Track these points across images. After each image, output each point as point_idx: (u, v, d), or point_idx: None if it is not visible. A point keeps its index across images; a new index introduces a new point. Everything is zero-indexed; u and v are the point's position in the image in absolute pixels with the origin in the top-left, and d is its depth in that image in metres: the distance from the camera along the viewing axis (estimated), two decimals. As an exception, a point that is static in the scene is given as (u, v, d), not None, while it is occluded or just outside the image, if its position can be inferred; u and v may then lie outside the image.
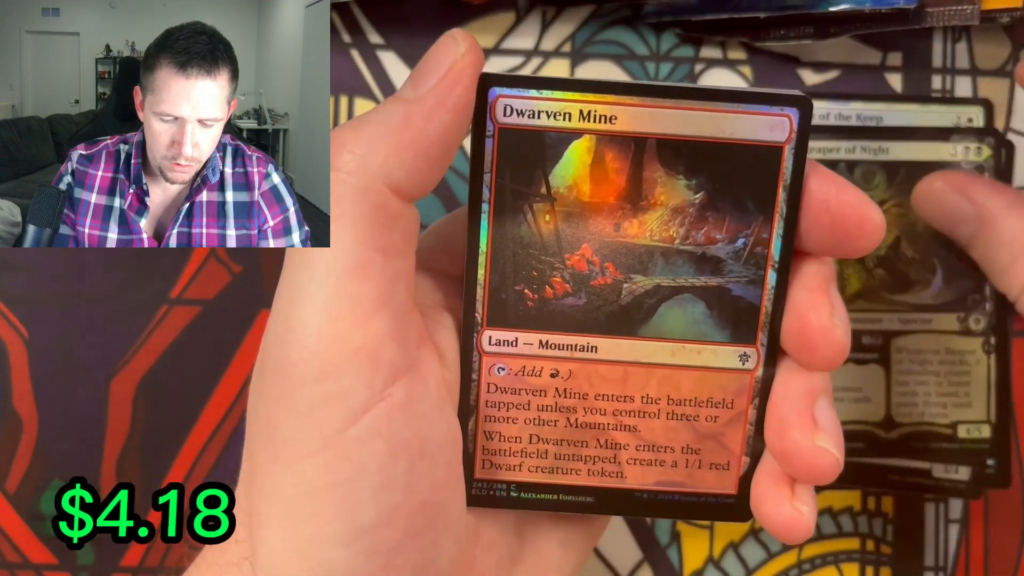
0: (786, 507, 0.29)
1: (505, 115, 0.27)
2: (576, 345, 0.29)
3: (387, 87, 0.43)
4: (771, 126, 0.27)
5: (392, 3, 0.43)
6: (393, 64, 0.43)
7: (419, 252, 0.28)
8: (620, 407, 0.30)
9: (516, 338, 0.29)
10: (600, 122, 0.27)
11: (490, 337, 0.29)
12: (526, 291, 0.29)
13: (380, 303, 0.26)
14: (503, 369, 0.29)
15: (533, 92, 0.27)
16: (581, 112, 0.27)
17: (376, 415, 0.26)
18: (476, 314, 0.29)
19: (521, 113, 0.27)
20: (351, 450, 0.26)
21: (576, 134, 0.28)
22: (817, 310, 0.28)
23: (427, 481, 0.27)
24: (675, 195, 0.28)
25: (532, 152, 0.28)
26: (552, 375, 0.30)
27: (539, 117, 0.27)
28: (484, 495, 0.30)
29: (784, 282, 0.29)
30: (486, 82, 0.27)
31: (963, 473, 0.41)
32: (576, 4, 0.43)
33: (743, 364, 0.29)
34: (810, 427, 0.29)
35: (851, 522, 0.44)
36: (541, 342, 0.29)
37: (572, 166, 0.28)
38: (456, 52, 0.26)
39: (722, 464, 0.30)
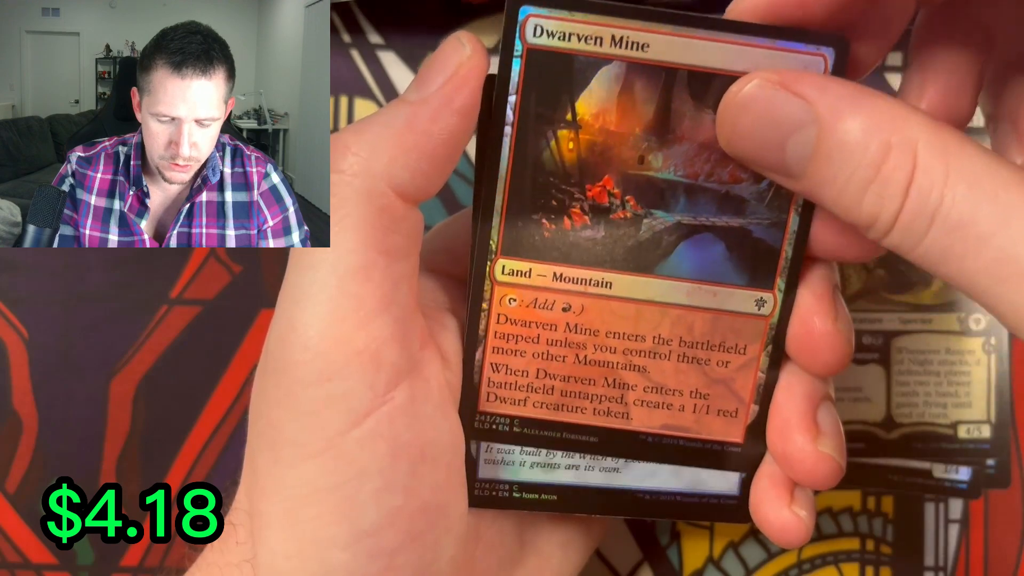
0: (784, 511, 0.29)
1: (535, 35, 0.27)
2: (591, 280, 0.28)
3: (387, 87, 0.43)
4: (805, 64, 0.27)
5: (392, 3, 0.43)
6: (393, 64, 0.43)
7: (422, 254, 0.28)
8: (631, 346, 0.29)
9: (530, 269, 0.28)
10: (631, 49, 0.27)
11: (503, 266, 0.28)
12: (543, 220, 0.28)
13: (383, 305, 0.26)
14: (514, 300, 0.29)
15: (564, 13, 0.26)
16: (613, 37, 0.27)
17: (378, 417, 0.26)
18: (491, 241, 0.28)
19: (551, 34, 0.27)
20: (353, 452, 0.26)
21: (606, 60, 0.27)
22: (822, 315, 0.28)
23: (429, 483, 0.27)
24: (703, 130, 0.27)
25: (560, 76, 0.27)
26: (564, 309, 0.29)
27: (569, 39, 0.27)
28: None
29: (806, 226, 0.28)
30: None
31: (963, 473, 0.41)
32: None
33: (759, 309, 0.29)
34: (812, 432, 0.29)
35: (851, 522, 0.44)
36: (555, 274, 0.28)
37: (600, 93, 0.27)
38: (462, 54, 0.26)
39: (730, 411, 0.30)
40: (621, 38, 0.27)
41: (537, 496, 0.30)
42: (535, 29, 0.27)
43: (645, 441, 0.30)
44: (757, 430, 0.30)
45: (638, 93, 0.27)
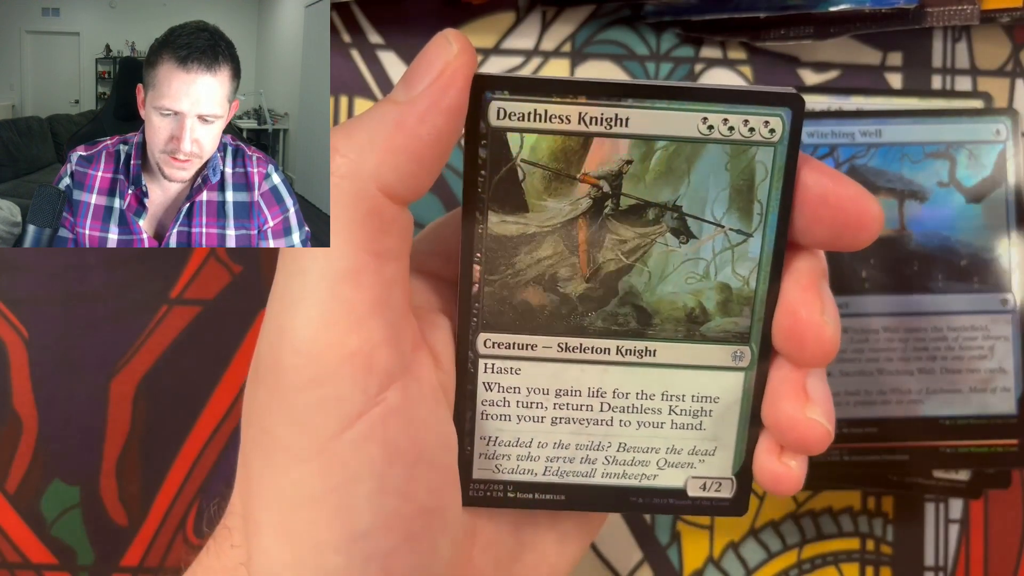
0: (775, 462, 0.29)
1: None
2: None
3: (387, 87, 0.43)
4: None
5: (392, 3, 0.43)
6: (393, 64, 0.43)
7: (413, 254, 0.28)
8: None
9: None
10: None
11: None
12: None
13: (374, 308, 0.26)
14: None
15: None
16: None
17: (371, 420, 0.26)
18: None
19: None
20: (346, 455, 0.26)
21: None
22: (808, 307, 0.28)
23: (423, 485, 0.27)
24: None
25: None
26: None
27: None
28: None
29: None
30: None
31: (963, 473, 0.41)
32: (576, 4, 0.43)
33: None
34: (802, 399, 0.29)
35: (851, 522, 0.44)
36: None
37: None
38: (449, 53, 0.26)
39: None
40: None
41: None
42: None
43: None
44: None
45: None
